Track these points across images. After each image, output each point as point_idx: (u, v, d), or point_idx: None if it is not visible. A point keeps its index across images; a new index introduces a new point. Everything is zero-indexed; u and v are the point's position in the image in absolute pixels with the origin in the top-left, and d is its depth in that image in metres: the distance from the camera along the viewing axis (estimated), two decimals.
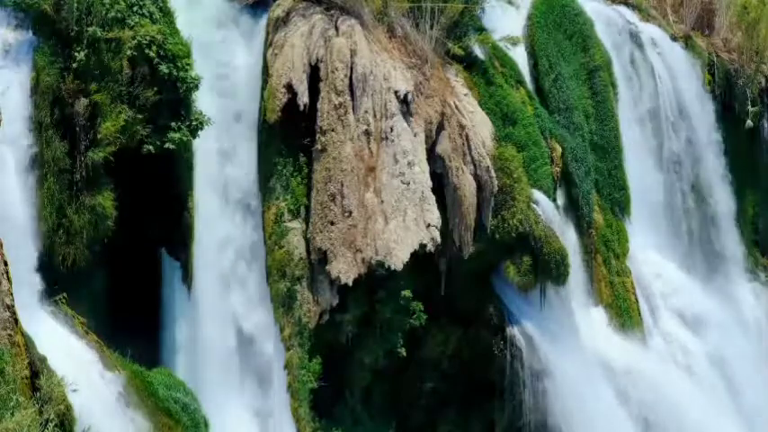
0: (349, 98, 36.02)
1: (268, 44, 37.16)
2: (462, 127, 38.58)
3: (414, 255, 35.59)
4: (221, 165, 36.35)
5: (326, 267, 35.42)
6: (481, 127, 39.27)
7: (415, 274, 36.75)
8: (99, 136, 30.83)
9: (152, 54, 31.35)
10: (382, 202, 35.62)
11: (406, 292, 36.85)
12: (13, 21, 30.88)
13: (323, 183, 35.70)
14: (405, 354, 37.40)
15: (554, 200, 41.49)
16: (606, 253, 44.82)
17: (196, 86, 32.57)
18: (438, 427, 40.46)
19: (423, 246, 35.82)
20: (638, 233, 47.14)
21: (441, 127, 38.06)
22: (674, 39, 50.52)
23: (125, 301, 32.29)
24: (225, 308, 35.85)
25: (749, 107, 51.61)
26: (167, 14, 32.85)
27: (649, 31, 49.83)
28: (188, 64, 32.31)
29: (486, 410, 40.77)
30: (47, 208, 30.17)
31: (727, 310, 48.67)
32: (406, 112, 36.72)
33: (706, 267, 50.05)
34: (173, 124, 32.24)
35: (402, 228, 35.45)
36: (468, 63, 40.95)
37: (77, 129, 30.74)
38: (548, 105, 43.85)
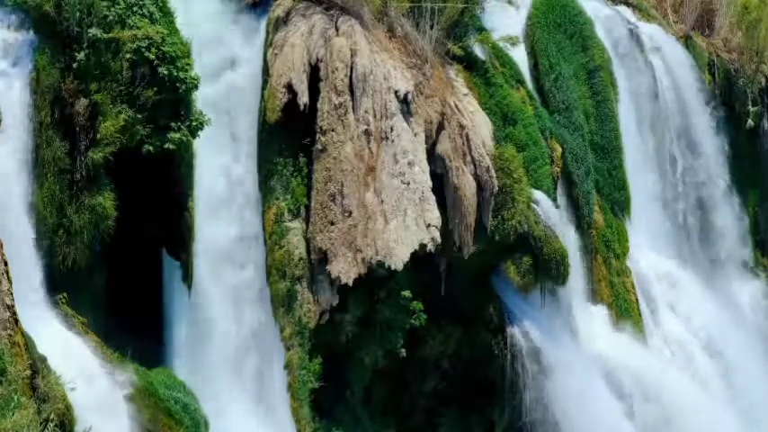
0: (349, 98, 36.04)
1: (268, 44, 37.17)
2: (462, 127, 38.59)
3: (414, 255, 35.60)
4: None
5: (326, 267, 35.44)
6: (481, 127, 39.28)
7: (415, 274, 36.77)
8: (99, 136, 30.82)
9: (151, 56, 31.37)
10: (382, 202, 35.64)
11: (406, 292, 36.90)
12: (13, 21, 30.86)
13: (323, 183, 35.72)
14: (405, 354, 37.43)
15: (554, 200, 41.50)
16: (606, 253, 44.85)
17: (195, 86, 32.56)
18: (438, 428, 40.48)
19: (423, 246, 35.82)
20: (639, 233, 47.17)
21: (441, 127, 38.08)
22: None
23: (125, 300, 32.30)
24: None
25: (750, 107, 51.65)
26: (167, 14, 32.83)
27: (649, 31, 49.86)
28: (188, 64, 32.28)
29: (487, 411, 40.80)
30: (47, 208, 30.15)
31: (727, 310, 48.70)
32: (406, 112, 36.74)
33: (706, 267, 50.12)
34: (173, 124, 32.25)
35: (402, 228, 35.47)
36: (469, 63, 40.95)
37: (77, 129, 30.73)
38: (548, 105, 43.90)
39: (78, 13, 30.60)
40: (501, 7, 45.36)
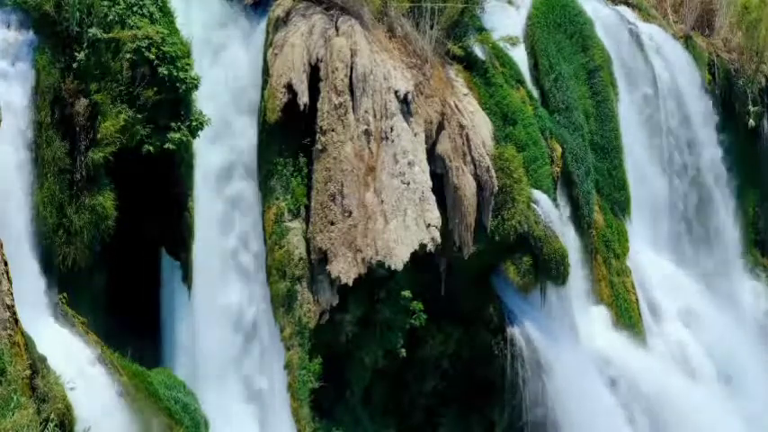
0: (349, 98, 36.04)
1: (268, 44, 37.17)
2: (462, 127, 38.61)
3: (414, 255, 35.61)
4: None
5: (326, 267, 35.45)
6: (481, 127, 39.30)
7: (415, 274, 36.79)
8: (99, 136, 30.79)
9: (151, 56, 31.38)
10: (382, 202, 35.65)
11: (406, 292, 36.91)
12: (13, 21, 30.83)
13: (323, 183, 35.73)
14: (405, 354, 37.45)
15: (554, 200, 41.50)
16: (606, 253, 44.85)
17: (195, 86, 32.55)
18: (438, 427, 40.49)
19: (423, 246, 35.83)
20: (639, 233, 47.16)
21: (441, 127, 38.09)
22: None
23: (125, 300, 32.27)
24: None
25: (750, 107, 51.65)
26: (167, 14, 32.81)
27: (649, 31, 49.86)
28: (188, 64, 32.26)
29: (487, 411, 40.81)
30: (47, 208, 30.11)
31: (727, 310, 48.68)
32: (406, 112, 36.75)
33: (706, 267, 50.07)
34: (173, 124, 32.24)
35: (402, 228, 35.48)
36: (469, 63, 40.97)
37: (77, 129, 30.70)
38: (548, 105, 43.90)
39: (78, 13, 30.55)
40: (501, 7, 45.37)
